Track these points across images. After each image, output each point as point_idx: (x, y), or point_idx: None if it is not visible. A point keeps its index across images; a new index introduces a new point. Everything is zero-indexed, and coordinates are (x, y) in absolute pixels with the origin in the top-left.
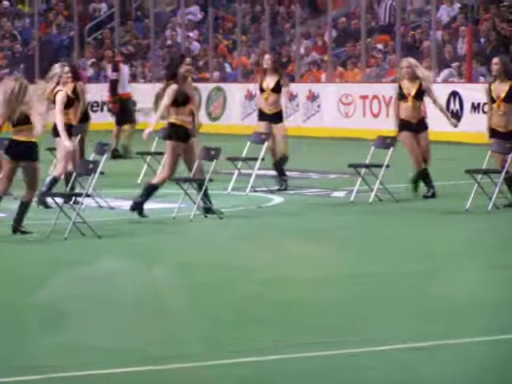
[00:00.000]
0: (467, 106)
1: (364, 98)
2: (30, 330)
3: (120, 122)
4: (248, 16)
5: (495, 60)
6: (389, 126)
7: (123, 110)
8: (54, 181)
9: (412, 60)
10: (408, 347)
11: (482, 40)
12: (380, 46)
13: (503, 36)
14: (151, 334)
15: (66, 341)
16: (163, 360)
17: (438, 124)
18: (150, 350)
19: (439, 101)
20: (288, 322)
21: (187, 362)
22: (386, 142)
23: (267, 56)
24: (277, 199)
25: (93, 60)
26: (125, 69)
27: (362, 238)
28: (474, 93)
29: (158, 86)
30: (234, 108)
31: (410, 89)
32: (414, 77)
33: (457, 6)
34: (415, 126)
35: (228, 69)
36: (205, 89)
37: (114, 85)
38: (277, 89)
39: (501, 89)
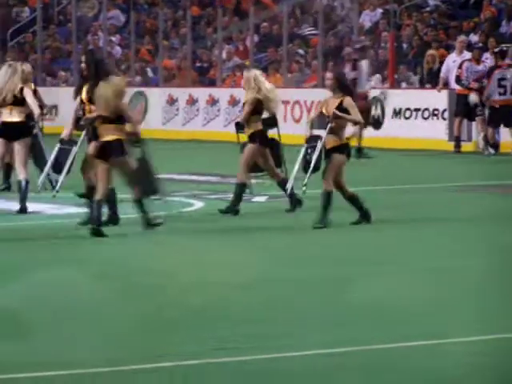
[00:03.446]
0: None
1: (286, 103)
2: None
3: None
4: (170, 21)
5: (328, 75)
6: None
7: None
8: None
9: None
10: (323, 353)
11: (405, 45)
12: (301, 52)
13: (425, 41)
14: (66, 339)
15: None
16: (82, 365)
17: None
18: (67, 356)
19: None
20: (206, 327)
21: (104, 367)
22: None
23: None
24: (197, 204)
25: None
26: (362, 66)
27: (280, 243)
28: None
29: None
30: (154, 112)
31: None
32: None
33: (379, 11)
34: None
35: (150, 73)
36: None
37: (353, 84)
38: None
39: (332, 103)
